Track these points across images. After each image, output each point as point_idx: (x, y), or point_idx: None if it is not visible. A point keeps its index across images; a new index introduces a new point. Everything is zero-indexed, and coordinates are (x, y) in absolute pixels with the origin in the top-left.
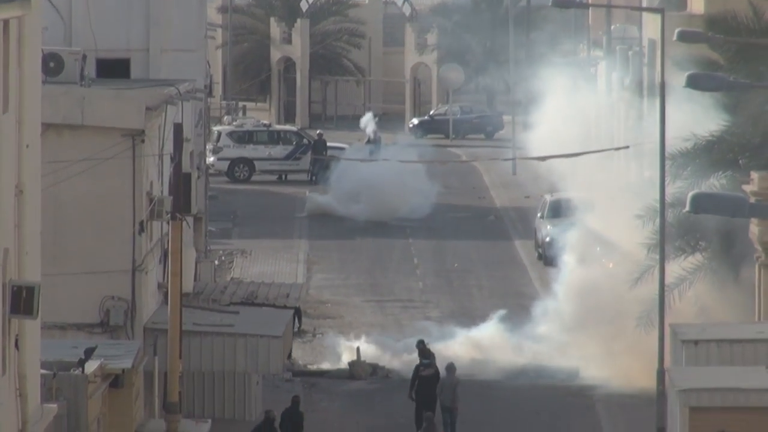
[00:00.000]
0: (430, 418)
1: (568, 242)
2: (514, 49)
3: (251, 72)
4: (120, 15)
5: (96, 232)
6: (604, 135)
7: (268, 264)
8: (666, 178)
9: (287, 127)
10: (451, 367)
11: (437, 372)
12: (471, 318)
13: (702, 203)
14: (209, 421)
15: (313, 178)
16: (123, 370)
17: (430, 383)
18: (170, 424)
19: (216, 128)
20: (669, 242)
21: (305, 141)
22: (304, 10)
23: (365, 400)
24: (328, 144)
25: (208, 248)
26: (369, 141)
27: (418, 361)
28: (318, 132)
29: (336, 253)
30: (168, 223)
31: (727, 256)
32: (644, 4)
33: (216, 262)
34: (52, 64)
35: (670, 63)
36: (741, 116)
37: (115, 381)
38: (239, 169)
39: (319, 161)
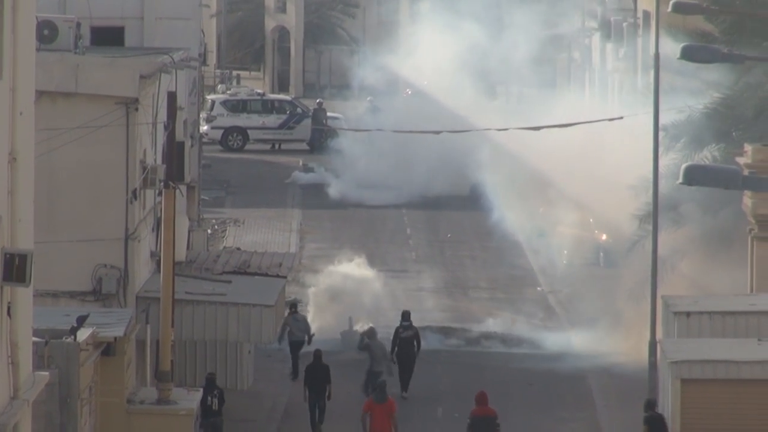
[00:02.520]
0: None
1: None
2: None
3: (245, 41)
4: None
5: (89, 200)
6: (598, 106)
7: (260, 233)
8: (659, 150)
9: (281, 96)
10: (405, 314)
11: (416, 334)
12: (463, 289)
13: (695, 175)
14: (201, 389)
15: (309, 146)
16: (115, 339)
17: (409, 344)
18: (162, 393)
19: (210, 97)
20: (661, 214)
21: (299, 110)
22: None
23: (357, 370)
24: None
25: (201, 217)
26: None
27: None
28: (318, 101)
29: (329, 223)
30: (161, 191)
31: (720, 228)
32: None
33: (209, 231)
34: (46, 32)
35: (665, 35)
36: (735, 89)
37: (107, 349)
38: (233, 138)
39: (319, 130)
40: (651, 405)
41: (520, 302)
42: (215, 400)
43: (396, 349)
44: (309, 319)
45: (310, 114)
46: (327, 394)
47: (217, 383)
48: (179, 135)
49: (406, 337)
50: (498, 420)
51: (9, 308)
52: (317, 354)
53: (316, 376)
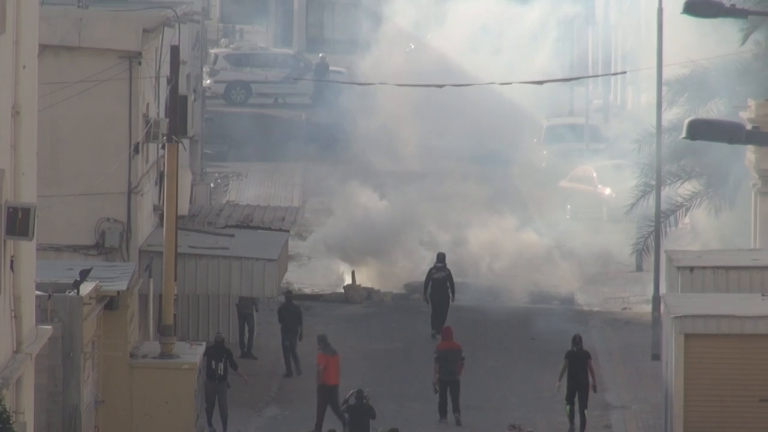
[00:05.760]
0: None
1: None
2: None
3: None
4: None
5: (92, 153)
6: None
7: (263, 187)
8: (663, 104)
9: (284, 50)
10: (440, 255)
11: (449, 275)
12: (464, 244)
13: (699, 129)
14: (204, 344)
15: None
16: (118, 292)
17: (441, 285)
18: (165, 347)
19: (213, 51)
20: (664, 167)
21: (302, 64)
22: None
23: (360, 324)
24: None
25: (204, 171)
26: None
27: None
28: (320, 55)
29: (332, 177)
30: (164, 145)
31: (723, 182)
32: None
33: (212, 185)
34: None
35: None
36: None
37: (110, 303)
38: (236, 92)
39: (321, 84)
40: (576, 341)
41: (523, 257)
42: (221, 365)
43: (429, 290)
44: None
45: (313, 68)
46: (299, 334)
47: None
48: (182, 89)
49: (439, 278)
50: (463, 353)
51: (12, 262)
52: (288, 295)
53: (288, 316)
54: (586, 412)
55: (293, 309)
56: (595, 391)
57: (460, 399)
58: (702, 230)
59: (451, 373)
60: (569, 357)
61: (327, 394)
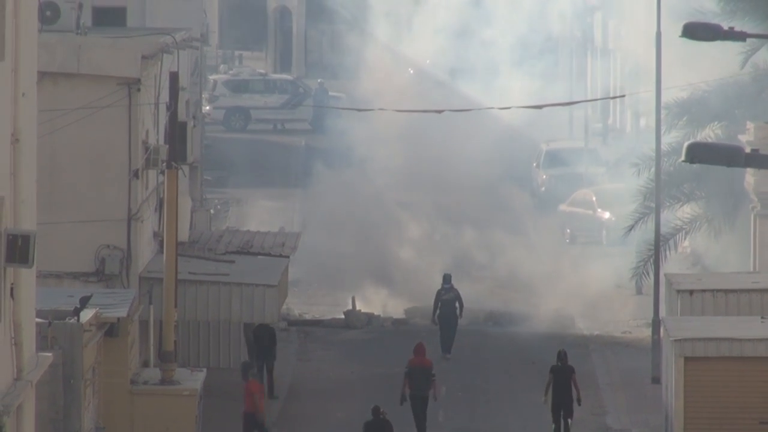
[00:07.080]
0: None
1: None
2: None
3: (247, 20)
4: None
5: (92, 180)
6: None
7: (263, 213)
8: (662, 128)
9: (283, 76)
10: (447, 277)
11: (458, 296)
12: (466, 269)
13: (698, 152)
14: (204, 370)
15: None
16: (118, 319)
17: (450, 306)
18: (165, 373)
19: (212, 77)
20: (664, 192)
21: (301, 90)
22: None
23: (360, 349)
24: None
25: (204, 197)
26: None
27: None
28: (319, 81)
29: (331, 202)
30: (163, 171)
31: (723, 206)
32: None
33: (211, 211)
34: (48, 13)
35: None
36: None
37: (111, 330)
38: (235, 118)
39: (320, 110)
40: (561, 356)
41: (522, 281)
42: None
43: (438, 311)
44: None
45: (313, 94)
46: (273, 355)
47: (220, 365)
48: (181, 115)
49: (448, 299)
50: (433, 370)
51: (12, 289)
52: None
53: (262, 336)
54: (570, 421)
55: (268, 330)
56: (579, 404)
57: (426, 419)
58: (701, 253)
59: (420, 388)
60: (554, 372)
61: (255, 422)
